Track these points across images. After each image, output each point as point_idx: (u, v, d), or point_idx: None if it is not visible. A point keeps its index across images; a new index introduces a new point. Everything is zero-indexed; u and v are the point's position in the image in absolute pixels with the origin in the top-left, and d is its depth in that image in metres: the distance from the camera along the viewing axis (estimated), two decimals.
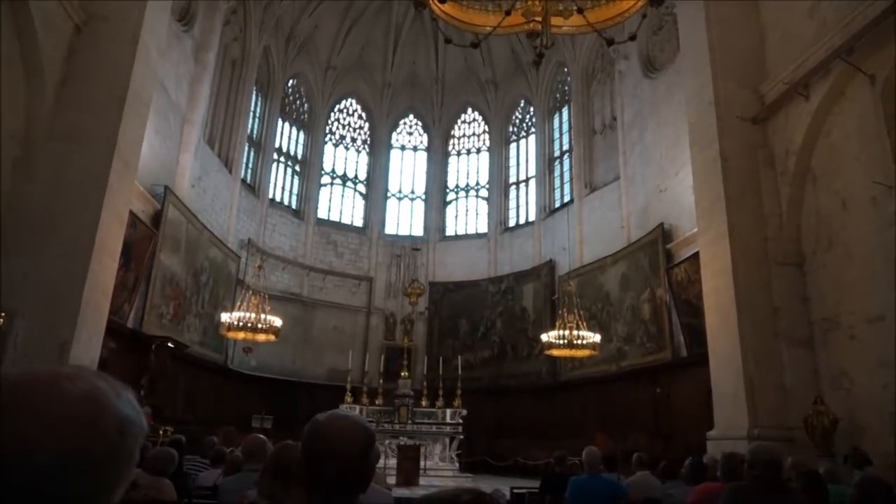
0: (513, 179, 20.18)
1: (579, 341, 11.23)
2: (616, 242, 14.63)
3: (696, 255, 10.15)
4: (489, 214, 20.00)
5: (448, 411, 13.85)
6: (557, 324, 11.64)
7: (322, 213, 19.42)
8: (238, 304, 11.45)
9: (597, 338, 11.54)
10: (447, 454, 13.35)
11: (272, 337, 11.57)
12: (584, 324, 11.59)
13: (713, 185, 8.63)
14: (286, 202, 18.59)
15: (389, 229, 20.37)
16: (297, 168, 19.16)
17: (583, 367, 14.85)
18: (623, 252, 14.26)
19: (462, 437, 13.66)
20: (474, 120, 21.23)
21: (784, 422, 7.43)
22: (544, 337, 11.67)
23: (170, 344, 10.22)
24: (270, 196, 17.84)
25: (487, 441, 15.95)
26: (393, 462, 12.15)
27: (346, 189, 20.16)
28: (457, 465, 13.20)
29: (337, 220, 19.69)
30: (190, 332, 12.69)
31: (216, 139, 15.12)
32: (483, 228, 20.10)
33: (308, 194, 19.08)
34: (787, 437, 7.19)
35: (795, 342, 7.71)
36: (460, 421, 13.75)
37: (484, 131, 21.09)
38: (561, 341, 11.28)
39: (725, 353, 8.16)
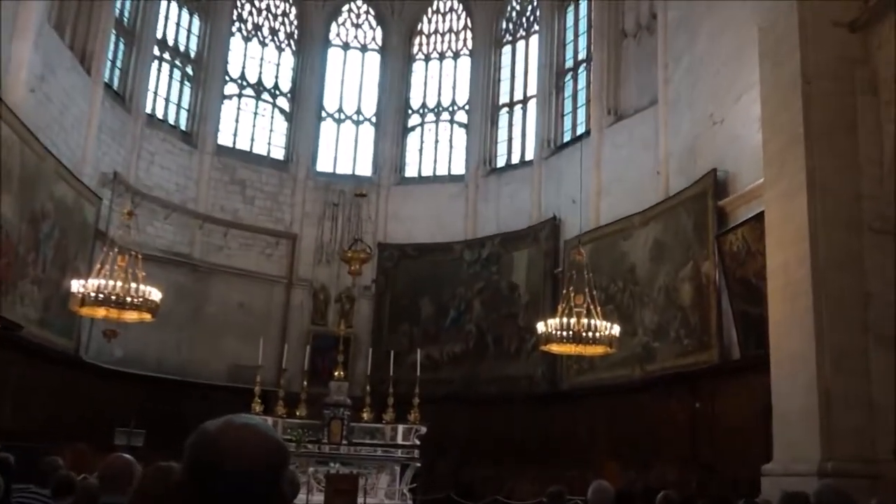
0: (504, 100, 20.20)
1: (590, 334, 11.38)
2: (648, 195, 14.87)
3: (759, 217, 10.38)
4: (468, 149, 20.15)
5: (400, 428, 13.93)
6: (560, 308, 11.69)
7: (224, 139, 19.32)
8: (97, 267, 11.37)
9: (615, 329, 11.67)
10: (397, 488, 13.47)
11: (147, 316, 11.51)
12: (599, 309, 11.70)
13: (789, 118, 8.74)
14: (171, 120, 18.42)
15: (323, 166, 20.37)
16: (190, 71, 18.89)
17: (593, 370, 15.03)
18: (658, 209, 14.49)
19: (419, 464, 13.84)
20: (451, 10, 21.10)
21: (869, 452, 7.65)
22: (541, 327, 11.70)
23: None
24: (148, 110, 17.64)
25: (456, 470, 16.27)
26: (319, 499, 12.28)
27: (260, 105, 20.02)
28: (411, 503, 13.41)
29: (246, 149, 19.63)
30: (24, 305, 12.59)
31: (67, 23, 14.74)
32: (459, 169, 20.22)
33: (204, 110, 18.90)
34: (871, 472, 7.41)
35: (891, 342, 7.87)
36: (417, 442, 13.85)
37: (465, 27, 20.96)
38: (564, 333, 11.38)
39: (794, 354, 8.37)
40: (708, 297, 12.71)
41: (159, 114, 18.06)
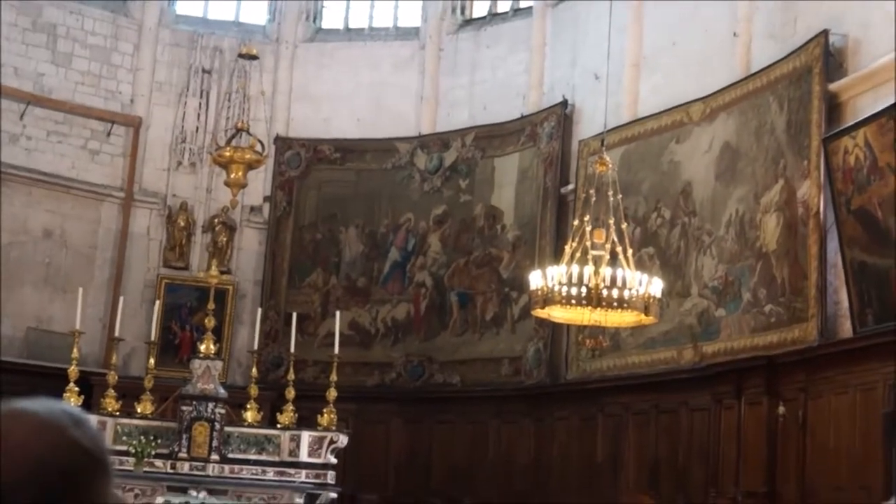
0: None
1: (615, 293, 11.31)
2: (717, 71, 15.02)
3: (890, 111, 10.74)
4: None
5: (306, 437, 14.31)
6: (569, 250, 11.68)
7: None
8: None
9: (655, 286, 11.68)
10: None
11: None
12: (631, 254, 11.76)
13: None
14: None
15: (188, 6, 20.35)
16: None
17: (618, 351, 15.33)
18: (731, 93, 14.63)
19: (335, 494, 14.18)
20: None
21: None
22: (537, 279, 11.65)
23: None
24: None
25: None
26: None
27: None
28: None
29: None
30: None
31: None
32: (411, 19, 20.34)
33: None
34: None
35: None
36: (332, 460, 14.26)
37: None
38: (574, 290, 11.31)
39: None
40: (805, 239, 12.86)
41: None
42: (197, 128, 19.33)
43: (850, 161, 12.06)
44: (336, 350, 14.93)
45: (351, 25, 20.70)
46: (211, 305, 15.09)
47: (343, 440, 14.37)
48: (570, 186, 17.05)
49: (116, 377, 14.42)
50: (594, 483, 15.34)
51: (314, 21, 20.68)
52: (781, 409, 12.69)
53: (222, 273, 16.75)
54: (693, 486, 13.84)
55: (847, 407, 11.67)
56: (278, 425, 14.48)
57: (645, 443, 14.96)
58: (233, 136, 16.31)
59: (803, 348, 12.63)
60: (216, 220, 19.04)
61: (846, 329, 12.19)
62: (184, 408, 14.11)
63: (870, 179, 11.71)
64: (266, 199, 19.48)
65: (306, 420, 14.60)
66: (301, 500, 14.00)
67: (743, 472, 13.08)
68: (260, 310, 16.68)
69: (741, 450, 13.17)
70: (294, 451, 14.28)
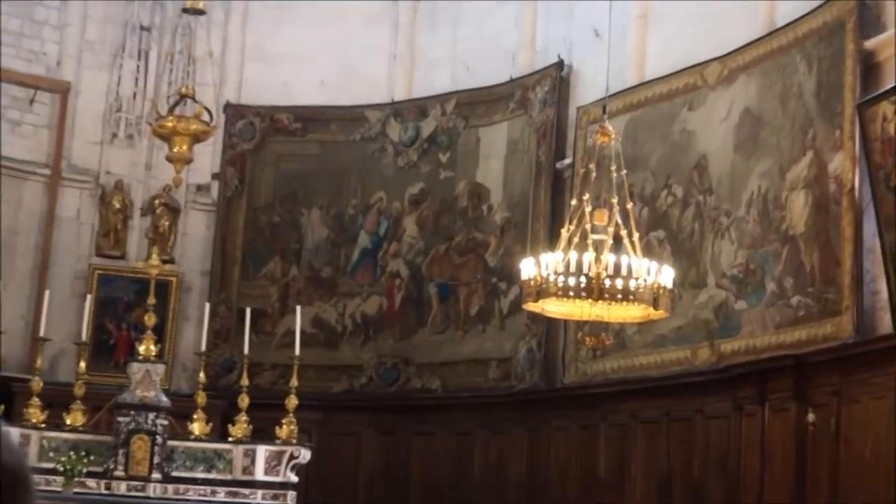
0: None
1: (619, 283, 11.19)
2: (736, 26, 14.98)
3: None
4: None
5: (262, 452, 14.17)
6: (566, 235, 11.54)
7: None
8: None
9: (665, 276, 11.58)
10: None
11: None
12: (637, 238, 11.74)
13: None
14: None
15: None
16: None
17: (624, 351, 15.32)
18: (753, 52, 14.61)
19: None
20: None
21: None
22: (529, 268, 11.48)
23: None
24: None
25: None
26: None
27: None
28: None
29: None
30: None
31: None
32: None
33: None
34: None
35: None
36: (293, 478, 14.23)
37: None
38: (572, 281, 11.17)
39: None
40: (838, 220, 12.77)
41: None
42: (134, 94, 19.06)
43: (889, 130, 11.95)
44: (297, 351, 14.72)
45: None
46: (151, 300, 14.85)
47: (305, 455, 14.23)
48: (567, 161, 16.93)
49: (42, 383, 14.34)
50: (596, 501, 15.23)
51: None
52: (811, 417, 12.60)
53: (164, 262, 16.53)
54: (710, 503, 13.75)
55: (886, 413, 11.49)
56: (230, 438, 14.35)
57: (655, 455, 14.82)
58: (176, 104, 16.03)
59: (836, 346, 12.54)
60: (157, 202, 18.78)
61: (885, 323, 12.07)
62: (120, 419, 13.94)
63: None
64: (215, 176, 19.30)
65: (263, 432, 14.45)
66: None
67: (767, 488, 12.94)
68: (208, 305, 16.46)
69: (765, 463, 13.06)
70: (248, 469, 14.17)
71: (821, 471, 12.32)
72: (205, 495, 13.96)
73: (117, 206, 18.75)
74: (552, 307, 11.79)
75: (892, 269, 11.72)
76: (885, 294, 11.92)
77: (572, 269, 11.06)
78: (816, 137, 13.27)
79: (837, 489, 12.03)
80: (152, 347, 14.42)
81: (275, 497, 14.08)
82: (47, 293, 15.68)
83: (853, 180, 12.50)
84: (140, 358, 14.36)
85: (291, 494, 14.13)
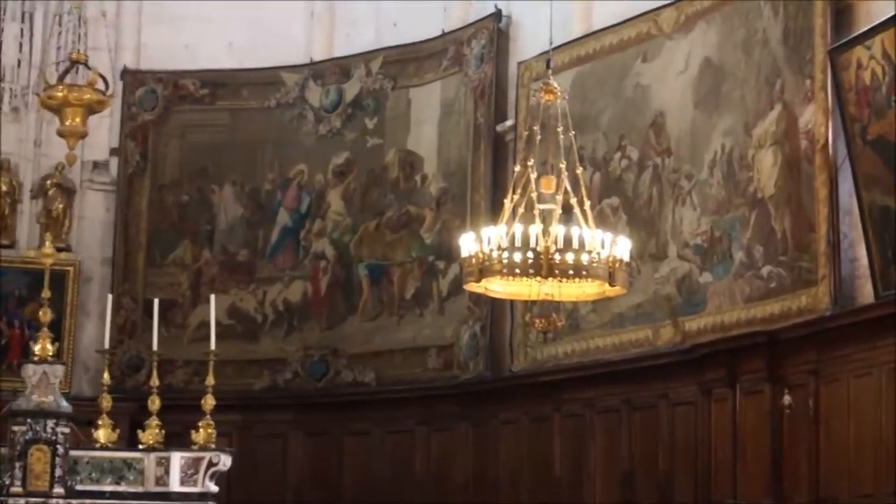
0: None
1: (571, 258, 10.90)
2: None
3: None
4: None
5: (177, 460, 13.82)
6: (509, 205, 11.24)
7: None
8: None
9: (621, 248, 11.24)
10: None
11: None
12: (589, 206, 11.39)
13: None
14: None
15: None
16: None
17: (577, 333, 15.37)
18: None
19: None
20: None
21: None
22: (469, 244, 11.06)
23: None
24: None
25: None
26: None
27: None
28: None
29: None
30: None
31: None
32: None
33: None
34: None
35: None
36: (212, 488, 13.84)
37: None
38: (518, 257, 10.82)
39: None
40: (811, 181, 12.82)
41: None
42: (19, 62, 18.84)
43: (864, 78, 12.02)
44: (213, 345, 14.24)
45: None
46: (46, 293, 14.05)
47: (226, 461, 13.81)
48: (509, 122, 16.99)
49: None
50: (552, 500, 15.27)
51: None
52: (787, 399, 12.65)
53: (59, 251, 16.15)
54: (679, 499, 13.81)
55: (870, 392, 11.60)
56: (140, 446, 13.84)
57: (615, 448, 14.88)
58: (66, 71, 15.70)
59: (813, 320, 12.57)
60: (49, 182, 18.58)
61: (866, 293, 12.16)
62: (15, 428, 13.37)
63: (890, 101, 11.55)
64: (113, 151, 19.21)
65: (177, 438, 13.98)
66: None
67: (741, 479, 13.09)
68: (111, 297, 16.03)
69: (738, 452, 13.22)
70: (162, 479, 13.75)
71: (799, 459, 12.38)
72: None
73: (4, 188, 18.53)
74: (497, 287, 11.45)
75: (872, 232, 11.74)
76: (864, 261, 11.96)
77: (518, 243, 10.77)
78: (785, 89, 13.31)
79: (818, 478, 12.07)
80: (49, 347, 13.77)
81: None
82: None
83: (826, 135, 12.50)
84: (35, 359, 13.69)
85: None
